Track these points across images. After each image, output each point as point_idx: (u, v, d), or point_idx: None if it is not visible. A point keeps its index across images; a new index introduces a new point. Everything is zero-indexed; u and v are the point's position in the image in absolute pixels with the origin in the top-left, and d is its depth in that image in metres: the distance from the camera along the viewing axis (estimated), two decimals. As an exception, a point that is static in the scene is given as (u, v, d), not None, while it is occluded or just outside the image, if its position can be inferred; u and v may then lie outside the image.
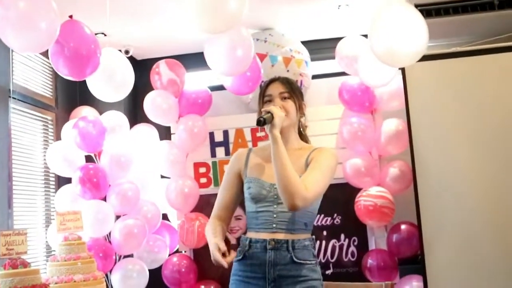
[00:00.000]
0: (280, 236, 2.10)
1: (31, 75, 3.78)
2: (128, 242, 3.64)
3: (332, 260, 3.92)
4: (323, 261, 3.88)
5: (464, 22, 3.90)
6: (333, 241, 3.94)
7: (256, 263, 2.10)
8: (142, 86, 3.92)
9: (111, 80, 3.37)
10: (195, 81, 4.09)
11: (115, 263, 3.74)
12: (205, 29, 2.95)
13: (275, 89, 2.21)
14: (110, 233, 3.71)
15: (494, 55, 3.42)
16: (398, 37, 3.03)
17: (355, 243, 3.92)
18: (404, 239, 3.66)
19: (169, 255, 3.95)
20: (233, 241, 3.93)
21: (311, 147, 2.23)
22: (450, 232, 3.35)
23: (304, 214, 2.11)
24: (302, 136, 2.30)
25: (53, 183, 3.95)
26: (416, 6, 3.21)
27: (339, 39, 3.91)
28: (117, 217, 3.77)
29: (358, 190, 3.77)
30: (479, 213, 3.34)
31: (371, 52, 3.16)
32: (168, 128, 4.19)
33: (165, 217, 4.11)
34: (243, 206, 2.27)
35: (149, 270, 3.79)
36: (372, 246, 3.86)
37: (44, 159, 3.79)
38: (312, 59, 4.12)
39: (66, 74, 3.03)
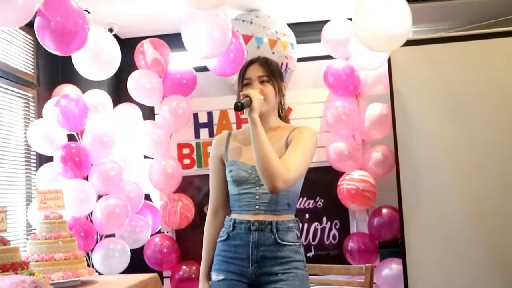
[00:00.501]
0: (264, 217, 2.10)
1: (12, 51, 3.71)
2: (110, 221, 3.62)
3: (314, 243, 3.95)
4: (305, 243, 3.91)
5: (450, 7, 3.92)
6: (315, 224, 3.97)
7: (240, 243, 2.11)
8: (125, 65, 3.87)
9: (97, 59, 3.35)
10: (180, 62, 4.06)
11: (97, 242, 3.72)
12: (193, 4, 2.92)
13: (254, 72, 2.19)
14: (91, 213, 3.69)
15: (479, 41, 3.43)
16: (381, 22, 3.04)
17: (337, 226, 3.95)
18: (385, 223, 3.70)
19: (151, 235, 3.95)
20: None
21: (291, 127, 2.22)
22: (430, 217, 3.39)
23: (286, 195, 2.11)
24: (282, 117, 2.29)
25: (34, 161, 3.90)
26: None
27: (325, 22, 3.89)
28: (99, 196, 3.75)
29: (341, 173, 3.79)
30: (460, 199, 3.38)
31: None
32: (152, 108, 4.16)
33: (147, 197, 4.10)
34: None
35: (131, 250, 3.79)
36: (353, 229, 3.90)
37: (25, 137, 3.74)
38: (298, 42, 4.11)
39: (52, 48, 3.00)
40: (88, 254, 3.64)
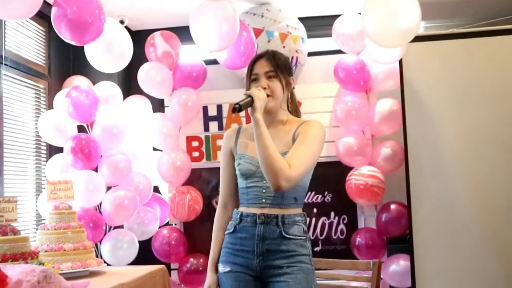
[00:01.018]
0: (270, 210, 2.11)
1: (24, 42, 3.73)
2: (119, 213, 3.64)
3: (322, 237, 3.95)
4: (312, 238, 3.91)
5: (462, 3, 3.89)
6: (323, 218, 3.97)
7: (246, 236, 2.12)
8: (136, 57, 3.87)
9: (109, 51, 3.36)
10: (190, 54, 4.06)
11: (105, 233, 3.75)
12: None
13: (261, 68, 2.17)
14: (100, 204, 3.72)
15: (491, 37, 3.41)
16: (390, 17, 3.02)
17: (345, 221, 3.95)
18: (393, 219, 3.69)
19: (159, 227, 3.97)
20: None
21: (299, 121, 2.21)
22: (439, 213, 3.39)
23: (293, 189, 2.10)
24: (291, 111, 2.27)
25: (44, 151, 3.93)
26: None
27: (336, 16, 3.88)
28: (108, 188, 3.77)
29: (349, 168, 3.78)
30: (469, 195, 3.37)
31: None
32: (162, 101, 4.17)
33: (156, 189, 4.12)
34: None
35: (139, 242, 3.81)
36: (361, 224, 3.90)
37: (36, 128, 3.77)
38: (309, 36, 4.09)
39: (68, 38, 3.02)
40: (96, 245, 3.67)
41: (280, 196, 2.11)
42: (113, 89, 3.89)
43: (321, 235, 3.96)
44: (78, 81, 3.99)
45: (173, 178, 3.88)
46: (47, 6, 3.12)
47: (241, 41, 3.57)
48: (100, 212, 3.73)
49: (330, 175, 3.86)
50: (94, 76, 3.96)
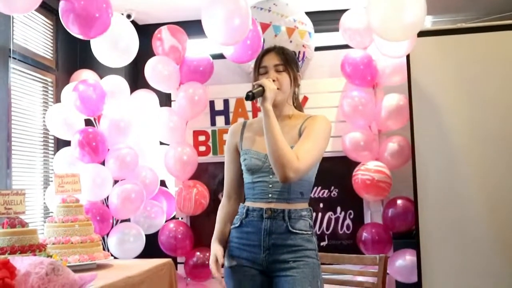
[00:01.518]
0: (277, 205, 2.11)
1: (32, 35, 3.74)
2: (126, 206, 3.66)
3: (328, 232, 3.95)
4: (318, 232, 3.92)
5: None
6: (329, 213, 3.97)
7: (252, 230, 2.12)
8: (143, 51, 3.88)
9: (115, 45, 3.38)
10: (197, 49, 4.06)
11: (112, 227, 3.77)
12: None
13: (270, 61, 2.18)
14: (107, 197, 3.73)
15: (499, 32, 3.39)
16: (395, 11, 3.01)
17: (351, 216, 3.95)
18: (400, 214, 3.69)
19: (166, 221, 3.98)
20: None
21: (305, 116, 2.22)
22: (446, 209, 3.38)
23: (299, 183, 2.11)
24: (296, 107, 2.29)
25: (52, 145, 3.95)
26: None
27: (344, 11, 3.86)
28: (115, 181, 3.78)
29: (356, 163, 3.78)
30: (475, 192, 3.36)
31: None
32: (169, 95, 4.18)
33: (163, 183, 4.13)
34: None
35: (146, 235, 3.83)
36: (367, 219, 3.90)
37: (43, 121, 3.79)
38: (316, 31, 4.08)
39: (76, 32, 3.04)
40: (103, 238, 3.69)
41: (287, 191, 2.11)
42: (120, 83, 3.90)
43: (327, 230, 3.96)
44: (86, 75, 4.00)
45: (180, 172, 3.89)
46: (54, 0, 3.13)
47: (248, 35, 3.57)
48: (107, 206, 3.75)
49: (336, 170, 3.86)
50: (101, 70, 3.97)
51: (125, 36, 3.43)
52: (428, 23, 4.26)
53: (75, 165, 3.62)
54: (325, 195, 3.97)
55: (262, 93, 2.01)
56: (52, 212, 3.55)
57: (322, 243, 3.90)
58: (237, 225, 2.18)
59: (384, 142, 3.81)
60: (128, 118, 3.80)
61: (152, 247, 3.85)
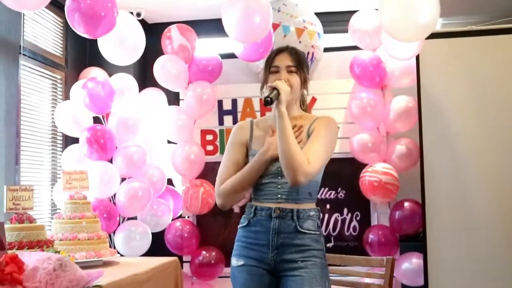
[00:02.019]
0: (285, 205, 2.11)
1: (42, 32, 3.76)
2: (132, 204, 3.67)
3: (334, 234, 3.95)
4: (325, 234, 3.91)
5: (480, 0, 3.84)
6: (336, 214, 3.96)
7: (260, 230, 2.12)
8: (152, 50, 3.90)
9: (122, 44, 3.38)
10: (206, 48, 4.06)
11: (119, 224, 3.78)
12: None
13: (283, 61, 2.19)
14: (115, 195, 3.74)
15: (509, 35, 3.37)
16: (407, 11, 3.00)
17: (358, 218, 3.94)
18: (407, 217, 3.67)
19: (173, 219, 3.99)
20: (236, 210, 3.97)
21: (312, 117, 2.23)
22: (453, 212, 3.36)
23: (308, 184, 2.11)
24: (303, 108, 2.30)
25: (60, 142, 3.96)
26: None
27: (353, 12, 3.85)
28: (123, 179, 3.79)
29: (363, 165, 3.77)
30: (483, 194, 3.34)
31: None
32: (177, 94, 4.18)
33: (170, 182, 4.14)
34: None
35: (152, 234, 3.83)
36: (374, 221, 3.89)
37: (52, 118, 3.80)
38: (325, 32, 4.07)
39: (81, 31, 3.04)
40: (110, 236, 3.70)
41: (295, 192, 2.12)
42: (129, 81, 3.91)
43: (333, 231, 3.95)
44: (95, 72, 4.02)
45: (187, 171, 3.89)
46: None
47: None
48: (114, 203, 3.76)
49: (344, 171, 3.86)
50: (110, 67, 3.98)
51: (132, 34, 3.43)
52: (438, 25, 4.24)
53: (83, 162, 3.63)
54: (332, 196, 3.97)
55: (277, 96, 2.02)
56: (59, 209, 3.56)
57: (328, 244, 3.89)
58: (244, 224, 2.18)
59: (392, 144, 3.79)
60: (136, 116, 3.81)
61: (158, 245, 3.85)
